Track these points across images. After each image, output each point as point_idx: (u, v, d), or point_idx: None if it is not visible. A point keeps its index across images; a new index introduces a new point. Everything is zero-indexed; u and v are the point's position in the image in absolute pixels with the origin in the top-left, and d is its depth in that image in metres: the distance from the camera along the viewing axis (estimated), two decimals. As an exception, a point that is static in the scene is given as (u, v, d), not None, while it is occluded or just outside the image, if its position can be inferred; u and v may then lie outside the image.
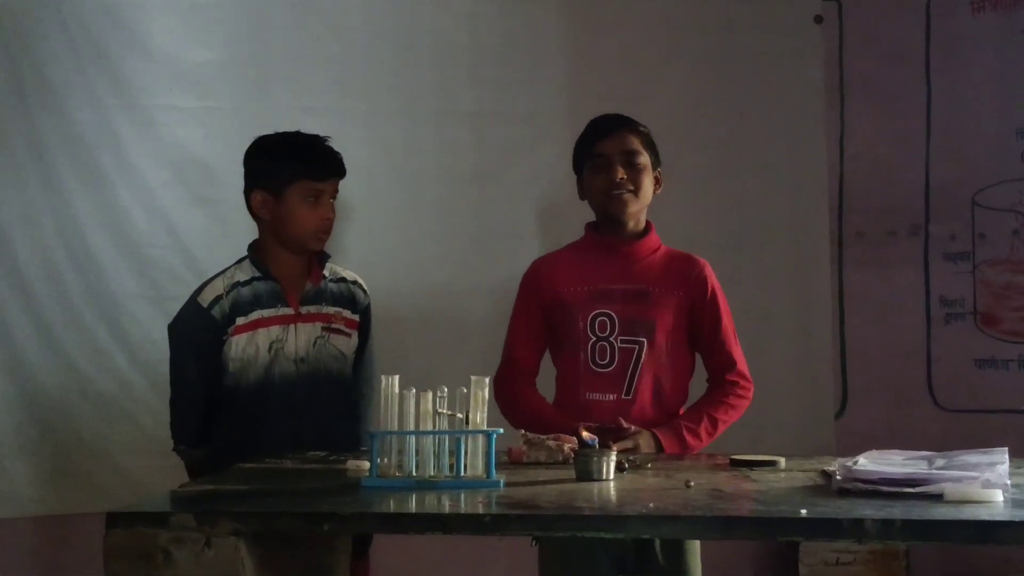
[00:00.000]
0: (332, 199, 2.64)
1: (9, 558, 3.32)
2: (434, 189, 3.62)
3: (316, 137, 2.65)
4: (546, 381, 2.64)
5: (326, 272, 2.68)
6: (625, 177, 2.51)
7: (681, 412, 2.56)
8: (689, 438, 2.47)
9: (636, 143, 2.55)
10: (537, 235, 3.62)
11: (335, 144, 2.66)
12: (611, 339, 2.50)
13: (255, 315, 2.58)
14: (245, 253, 2.67)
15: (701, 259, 2.61)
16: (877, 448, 2.08)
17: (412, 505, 1.77)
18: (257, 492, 1.90)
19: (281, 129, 2.67)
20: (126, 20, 3.38)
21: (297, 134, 2.65)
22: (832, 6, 3.87)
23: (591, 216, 2.63)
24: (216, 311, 2.56)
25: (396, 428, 1.91)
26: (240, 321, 2.57)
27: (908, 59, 3.87)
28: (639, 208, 2.56)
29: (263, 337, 2.58)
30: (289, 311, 2.60)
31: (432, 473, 1.90)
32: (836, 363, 3.82)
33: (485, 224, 3.64)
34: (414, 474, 1.90)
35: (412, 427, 1.91)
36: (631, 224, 2.57)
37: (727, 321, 2.59)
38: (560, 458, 2.13)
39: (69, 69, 3.32)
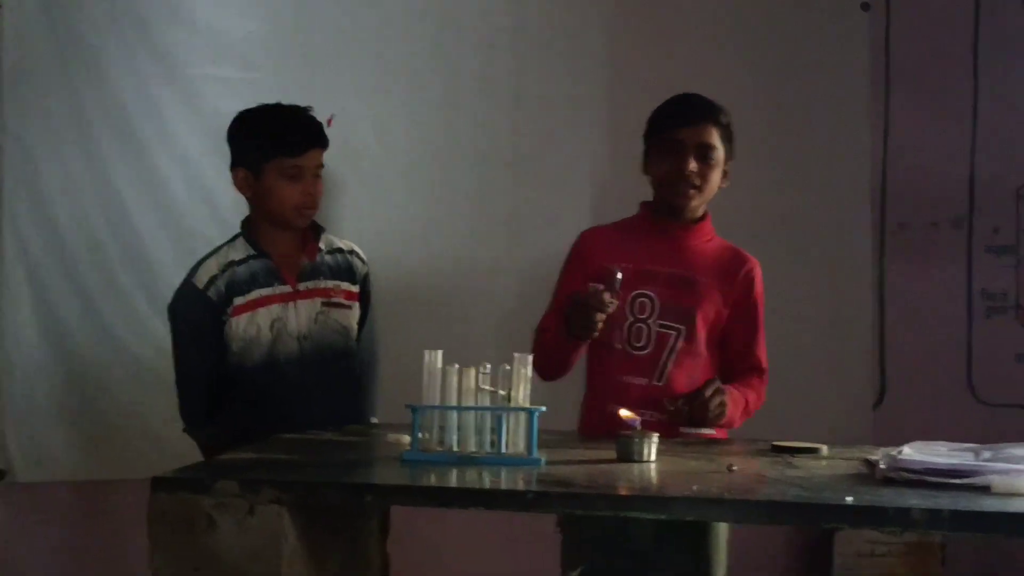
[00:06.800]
0: (316, 174, 2.55)
1: (47, 522, 3.35)
2: (472, 171, 3.60)
3: (294, 109, 2.56)
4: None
5: (322, 244, 2.63)
6: (695, 170, 2.43)
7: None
8: (737, 411, 2.41)
9: (715, 137, 2.45)
10: (575, 218, 3.58)
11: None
12: (648, 321, 2.44)
13: (254, 294, 2.54)
14: (238, 231, 2.61)
15: (753, 258, 2.54)
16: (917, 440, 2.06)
17: (453, 479, 1.77)
18: (299, 463, 1.91)
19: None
20: (167, -11, 3.39)
21: (275, 107, 2.57)
22: (879, -7, 3.84)
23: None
24: (212, 292, 2.52)
25: (438, 403, 1.90)
26: (239, 301, 2.53)
27: (956, 48, 3.82)
28: (701, 203, 2.49)
29: (264, 316, 2.54)
30: (287, 289, 2.56)
31: (473, 449, 1.89)
32: (875, 354, 3.79)
33: (523, 207, 3.63)
34: (455, 449, 1.89)
35: (454, 403, 1.90)
36: (688, 213, 2.50)
37: (762, 326, 2.52)
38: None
39: (110, 38, 3.32)
